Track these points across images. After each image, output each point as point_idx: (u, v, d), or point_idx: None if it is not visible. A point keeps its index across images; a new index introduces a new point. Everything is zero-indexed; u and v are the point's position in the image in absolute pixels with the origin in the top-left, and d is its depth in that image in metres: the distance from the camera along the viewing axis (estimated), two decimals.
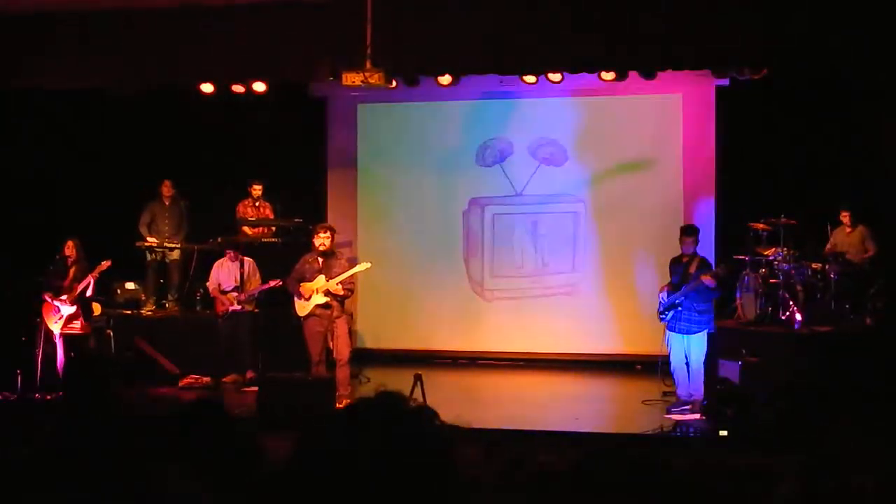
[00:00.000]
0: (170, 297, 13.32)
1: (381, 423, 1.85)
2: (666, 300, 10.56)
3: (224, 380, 11.85)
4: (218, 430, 3.71)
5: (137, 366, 11.86)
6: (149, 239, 13.19)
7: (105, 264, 11.69)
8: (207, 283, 12.30)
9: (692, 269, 10.43)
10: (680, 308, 10.43)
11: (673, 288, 10.56)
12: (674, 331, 10.54)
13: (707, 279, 10.22)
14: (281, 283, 11.44)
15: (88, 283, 11.63)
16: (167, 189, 13.33)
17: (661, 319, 10.64)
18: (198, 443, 3.62)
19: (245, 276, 12.01)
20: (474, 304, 14.16)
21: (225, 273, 12.10)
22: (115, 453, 3.40)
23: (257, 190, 13.43)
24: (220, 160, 13.64)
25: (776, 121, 12.55)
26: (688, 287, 10.34)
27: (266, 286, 11.85)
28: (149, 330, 12.54)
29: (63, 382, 10.99)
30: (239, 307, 11.96)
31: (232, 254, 12.12)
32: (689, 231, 10.77)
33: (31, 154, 13.00)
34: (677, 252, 10.80)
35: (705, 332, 10.51)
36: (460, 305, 14.11)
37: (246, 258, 12.17)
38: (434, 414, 1.95)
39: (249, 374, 11.73)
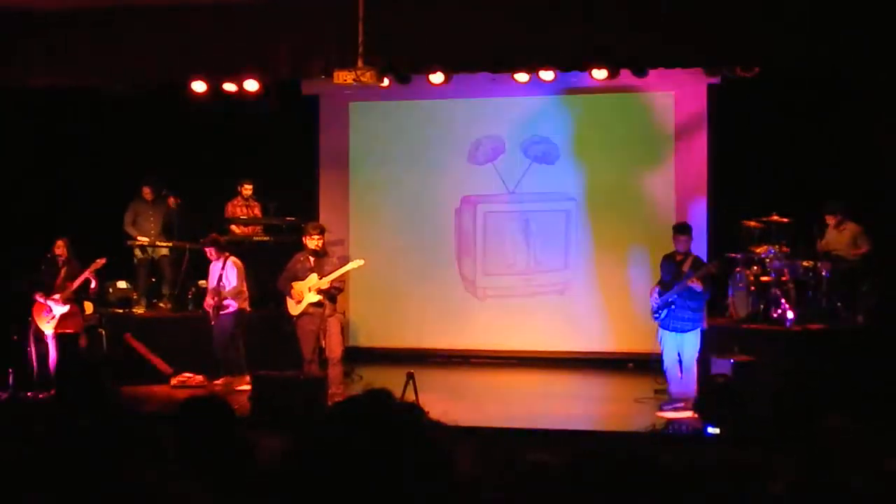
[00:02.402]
0: (164, 294, 13.27)
1: (368, 421, 1.85)
2: (659, 299, 10.56)
3: (216, 381, 11.73)
4: (221, 427, 3.71)
5: (129, 364, 11.83)
6: (139, 238, 13.16)
7: (100, 262, 11.66)
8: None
9: (685, 268, 10.44)
10: (673, 307, 10.43)
11: (664, 286, 10.56)
12: (667, 329, 10.53)
13: (694, 283, 10.21)
14: (233, 308, 11.47)
15: (86, 281, 11.61)
16: (147, 194, 13.23)
17: (655, 318, 10.64)
18: (200, 440, 3.62)
19: (222, 278, 11.69)
20: (466, 302, 14.16)
21: (211, 271, 11.91)
22: (112, 452, 3.39)
23: (248, 189, 13.42)
24: (213, 159, 13.62)
25: (768, 119, 12.56)
26: (679, 286, 10.35)
27: (224, 299, 11.59)
28: (140, 329, 12.51)
29: (56, 381, 10.96)
30: (209, 310, 11.69)
31: (211, 251, 11.77)
32: (682, 229, 10.77)
33: (21, 153, 12.96)
34: (669, 250, 10.80)
35: (698, 330, 10.52)
36: (452, 304, 14.12)
37: (232, 259, 11.77)
38: (421, 411, 1.95)
39: (245, 380, 11.35)
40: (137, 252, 13.20)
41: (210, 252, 11.83)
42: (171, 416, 3.87)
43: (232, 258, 11.84)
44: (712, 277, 10.48)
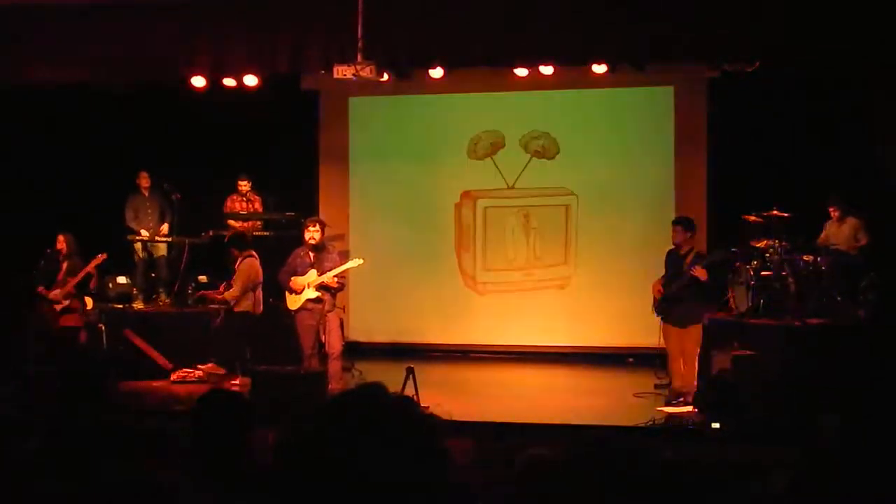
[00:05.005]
0: (161, 292, 13.25)
1: (361, 415, 1.84)
2: (661, 294, 10.53)
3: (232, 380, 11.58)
4: (239, 423, 3.70)
5: (129, 360, 11.82)
6: (142, 232, 13.16)
7: (101, 257, 11.66)
8: None
9: (688, 261, 10.41)
10: (676, 301, 10.39)
11: (667, 280, 10.54)
12: (669, 323, 10.52)
13: (698, 272, 10.20)
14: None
15: (87, 276, 11.60)
16: (144, 180, 13.26)
17: (657, 313, 10.61)
18: (216, 436, 3.61)
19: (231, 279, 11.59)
20: (466, 297, 14.16)
21: None
22: (111, 448, 3.40)
23: (244, 186, 13.40)
24: (212, 154, 13.61)
25: (768, 112, 12.55)
26: (681, 281, 10.32)
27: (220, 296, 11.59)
28: (141, 324, 12.49)
29: (56, 377, 10.96)
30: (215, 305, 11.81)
31: (232, 250, 11.56)
32: (676, 220, 10.78)
33: (21, 149, 12.95)
34: (669, 245, 10.78)
35: (700, 324, 10.50)
36: (452, 299, 14.11)
37: (244, 263, 11.38)
38: (415, 404, 1.94)
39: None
40: (138, 248, 13.21)
41: (233, 251, 11.57)
42: (185, 410, 3.88)
43: (247, 261, 11.42)
44: (717, 267, 10.41)
